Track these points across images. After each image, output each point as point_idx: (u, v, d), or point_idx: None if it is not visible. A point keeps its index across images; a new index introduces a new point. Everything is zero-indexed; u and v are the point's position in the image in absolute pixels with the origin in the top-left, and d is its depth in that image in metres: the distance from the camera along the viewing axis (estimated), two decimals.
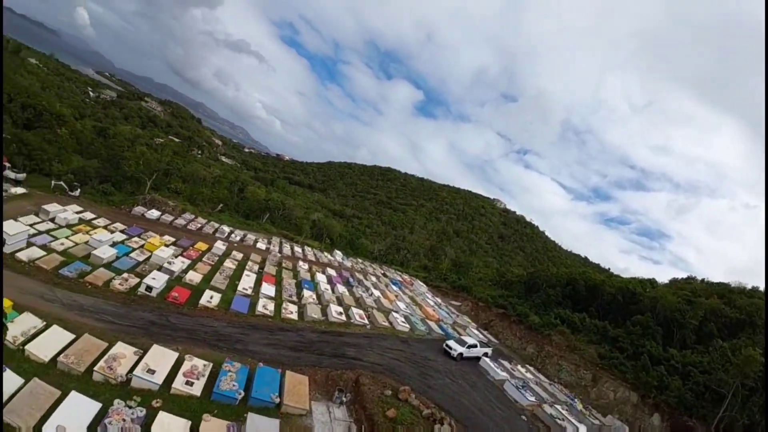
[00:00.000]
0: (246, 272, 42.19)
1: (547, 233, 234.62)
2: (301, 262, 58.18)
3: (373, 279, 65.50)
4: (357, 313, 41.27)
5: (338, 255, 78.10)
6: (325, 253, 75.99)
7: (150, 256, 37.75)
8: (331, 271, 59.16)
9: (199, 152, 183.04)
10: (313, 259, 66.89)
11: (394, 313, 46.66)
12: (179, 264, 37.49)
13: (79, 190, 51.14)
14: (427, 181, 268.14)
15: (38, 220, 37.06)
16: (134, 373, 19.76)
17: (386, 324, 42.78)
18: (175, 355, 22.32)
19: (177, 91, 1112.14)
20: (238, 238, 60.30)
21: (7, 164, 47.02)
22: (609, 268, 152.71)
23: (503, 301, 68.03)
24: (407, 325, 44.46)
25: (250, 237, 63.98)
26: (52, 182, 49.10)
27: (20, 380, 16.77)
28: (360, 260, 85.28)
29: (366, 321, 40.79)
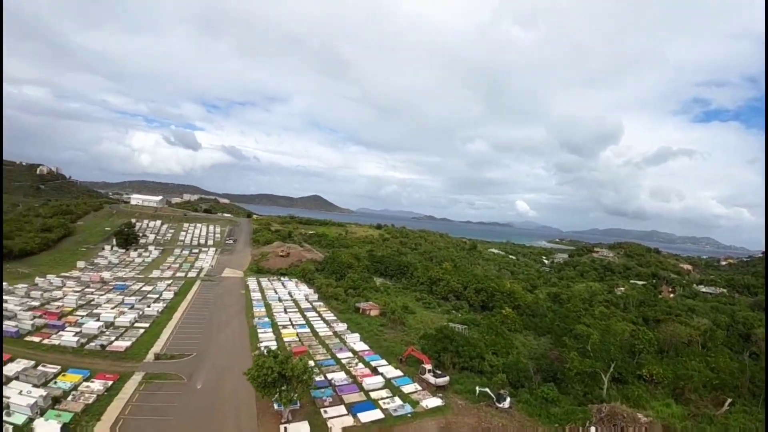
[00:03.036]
0: None
1: None
2: None
3: None
4: None
5: None
6: None
7: None
8: None
9: (671, 290, 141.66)
10: None
11: None
12: None
13: (508, 399, 36.93)
14: None
15: None
16: None
17: None
18: None
19: (624, 230, 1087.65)
20: None
21: (428, 366, 41.28)
22: None
23: None
24: None
25: None
26: (477, 389, 37.92)
27: None
28: None
29: None
